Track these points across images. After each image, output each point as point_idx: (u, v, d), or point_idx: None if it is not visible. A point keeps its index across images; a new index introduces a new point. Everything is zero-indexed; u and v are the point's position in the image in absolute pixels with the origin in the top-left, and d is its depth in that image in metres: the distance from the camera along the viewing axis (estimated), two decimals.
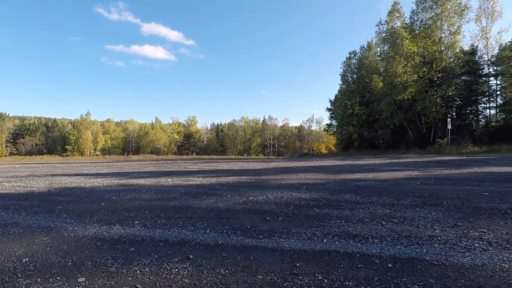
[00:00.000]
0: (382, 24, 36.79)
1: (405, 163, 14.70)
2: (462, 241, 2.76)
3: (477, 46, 32.60)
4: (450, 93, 32.99)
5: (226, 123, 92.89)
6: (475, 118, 34.06)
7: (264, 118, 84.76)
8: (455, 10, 31.01)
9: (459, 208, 4.12)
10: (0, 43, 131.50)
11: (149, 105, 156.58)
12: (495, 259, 2.34)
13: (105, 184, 8.41)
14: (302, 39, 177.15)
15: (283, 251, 2.65)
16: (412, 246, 2.67)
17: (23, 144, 75.24)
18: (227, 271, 2.26)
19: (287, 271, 2.24)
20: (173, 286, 2.04)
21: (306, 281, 2.06)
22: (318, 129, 78.02)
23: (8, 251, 2.82)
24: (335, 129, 49.82)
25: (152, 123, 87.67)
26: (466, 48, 33.12)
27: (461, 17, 31.21)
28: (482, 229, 3.12)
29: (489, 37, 31.22)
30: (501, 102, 31.55)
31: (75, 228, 3.61)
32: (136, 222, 3.84)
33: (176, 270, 2.30)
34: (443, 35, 32.51)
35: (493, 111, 32.88)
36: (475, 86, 32.24)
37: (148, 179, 9.75)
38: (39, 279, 2.20)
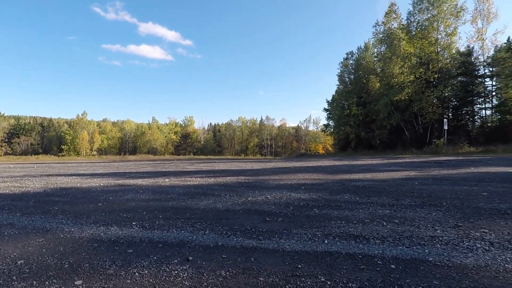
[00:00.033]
0: (379, 25, 37.01)
1: (402, 163, 14.74)
2: (464, 242, 2.75)
3: (473, 47, 32.88)
4: (447, 94, 33.23)
5: (224, 123, 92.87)
6: (471, 119, 34.32)
7: (261, 119, 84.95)
8: (451, 11, 31.25)
9: (459, 208, 4.11)
10: None
11: (146, 105, 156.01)
12: (498, 260, 2.32)
13: (101, 184, 8.32)
14: (299, 40, 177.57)
15: (284, 252, 2.62)
16: (414, 247, 2.64)
17: (18, 143, 74.57)
18: (228, 273, 2.22)
19: (289, 272, 2.20)
20: None
21: (308, 283, 2.02)
22: (315, 130, 78.34)
23: (3, 253, 2.76)
24: (332, 129, 49.99)
25: (149, 123, 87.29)
26: (462, 49, 33.43)
27: (457, 19, 31.46)
28: (483, 230, 3.10)
29: (484, 39, 31.49)
30: (497, 103, 31.81)
31: (72, 229, 3.54)
32: (134, 223, 3.79)
33: (176, 272, 2.26)
34: (440, 36, 32.73)
35: (488, 112, 33.16)
36: (471, 87, 32.48)
37: (145, 179, 9.67)
38: (34, 282, 2.14)
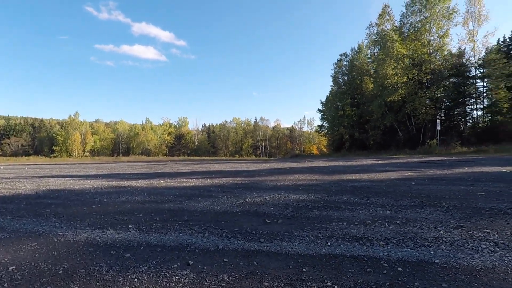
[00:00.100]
0: (372, 27, 37.33)
1: (397, 164, 14.82)
2: (469, 242, 2.71)
3: (464, 49, 33.41)
4: (439, 95, 33.66)
5: (218, 124, 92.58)
6: (463, 119, 34.80)
7: (255, 119, 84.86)
8: (443, 13, 31.65)
9: (459, 209, 4.10)
10: None
11: (139, 106, 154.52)
12: (505, 261, 2.28)
13: (95, 186, 8.16)
14: (293, 41, 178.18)
15: (287, 256, 2.55)
16: (419, 248, 2.60)
17: (9, 144, 73.21)
18: (230, 277, 2.15)
19: (293, 277, 2.13)
20: None
21: (315, 287, 1.96)
22: (309, 130, 78.61)
23: None
24: (326, 130, 50.21)
25: (143, 124, 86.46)
26: (454, 51, 33.94)
27: (449, 21, 31.89)
28: (486, 230, 3.08)
29: (476, 40, 31.96)
30: (488, 103, 32.35)
31: (66, 233, 3.43)
32: (130, 226, 3.68)
33: (177, 277, 2.17)
34: (432, 38, 33.14)
35: (480, 112, 33.69)
36: (462, 88, 32.93)
37: (140, 180, 9.52)
38: None
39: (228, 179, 9.27)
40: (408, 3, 33.63)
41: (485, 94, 32.53)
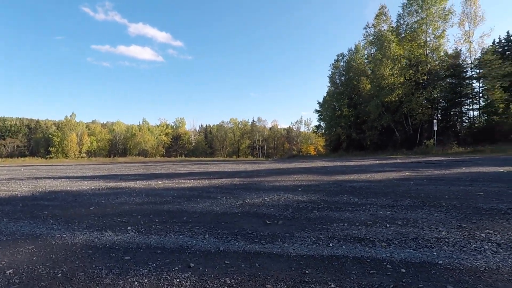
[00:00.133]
0: (369, 27, 37.43)
1: (394, 164, 14.85)
2: (471, 243, 2.70)
3: (460, 50, 33.57)
4: (436, 95, 33.81)
5: (215, 124, 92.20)
6: (460, 120, 34.99)
7: (253, 120, 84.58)
8: (439, 14, 31.81)
9: (459, 209, 4.09)
10: None
11: (136, 107, 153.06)
12: (509, 262, 2.27)
13: (92, 187, 8.09)
14: (289, 41, 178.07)
15: (289, 257, 2.52)
16: (422, 250, 2.59)
17: (4, 146, 72.56)
18: (233, 280, 2.12)
19: (297, 279, 2.11)
20: None
21: None
22: (306, 131, 78.49)
23: None
24: (323, 130, 50.25)
25: (140, 124, 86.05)
26: (450, 51, 34.08)
27: (445, 21, 32.05)
28: (487, 230, 3.07)
29: (471, 41, 32.11)
30: (484, 104, 32.50)
31: (63, 235, 3.38)
32: (129, 227, 3.64)
33: (178, 280, 2.14)
34: (428, 38, 33.29)
35: (476, 113, 33.85)
36: (459, 88, 33.10)
37: (137, 181, 9.45)
38: None
39: (227, 180, 9.23)
40: (405, 4, 33.78)
41: (481, 95, 32.70)
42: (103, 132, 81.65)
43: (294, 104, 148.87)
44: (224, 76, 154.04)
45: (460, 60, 33.32)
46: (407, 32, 33.98)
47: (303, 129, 79.44)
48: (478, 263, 2.27)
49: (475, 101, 33.41)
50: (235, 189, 6.98)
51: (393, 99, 32.40)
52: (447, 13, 31.57)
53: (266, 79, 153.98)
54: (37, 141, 76.41)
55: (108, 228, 3.65)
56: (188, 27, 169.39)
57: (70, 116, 72.84)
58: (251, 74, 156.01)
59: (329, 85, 47.97)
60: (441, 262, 2.31)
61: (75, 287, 2.06)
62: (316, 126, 53.81)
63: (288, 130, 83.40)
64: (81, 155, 69.74)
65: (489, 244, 2.68)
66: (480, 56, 31.78)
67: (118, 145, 79.16)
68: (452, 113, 34.83)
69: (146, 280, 2.14)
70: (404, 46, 32.93)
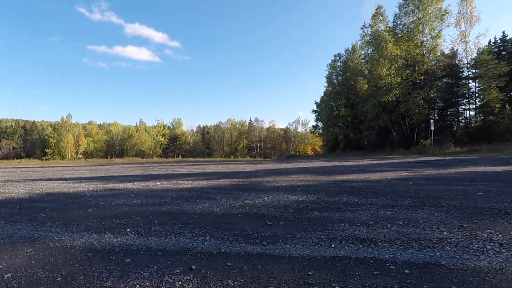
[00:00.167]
0: (366, 28, 37.54)
1: (392, 164, 14.89)
2: (473, 243, 2.70)
3: (457, 50, 33.73)
4: (432, 95, 33.98)
5: (212, 125, 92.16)
6: (456, 119, 35.16)
7: (250, 120, 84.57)
8: (435, 14, 31.98)
9: (459, 209, 4.10)
10: None
11: (133, 107, 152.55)
12: None
13: (90, 188, 8.02)
14: (286, 41, 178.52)
15: (291, 259, 2.50)
16: (424, 250, 2.58)
17: (0, 147, 71.96)
18: (236, 282, 2.09)
19: (300, 280, 2.09)
20: None
21: None
22: (304, 131, 78.51)
23: None
24: (321, 130, 50.34)
25: (137, 125, 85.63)
26: (447, 51, 34.24)
27: (441, 22, 32.21)
28: (489, 230, 3.07)
29: (468, 41, 32.29)
30: (480, 103, 32.71)
31: (62, 238, 3.33)
32: (128, 229, 3.60)
33: (180, 283, 2.11)
34: (425, 38, 33.45)
35: (472, 113, 34.04)
36: (455, 88, 33.30)
37: (135, 183, 9.39)
38: None
39: (225, 181, 9.20)
40: (401, 4, 33.92)
41: (477, 95, 32.91)
42: (100, 133, 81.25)
43: (291, 104, 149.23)
44: (221, 76, 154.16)
45: (456, 60, 33.50)
46: (404, 32, 34.12)
47: (300, 129, 79.51)
48: (481, 264, 2.27)
49: (471, 101, 33.61)
50: (234, 189, 6.95)
51: (390, 99, 32.53)
52: (443, 13, 31.75)
53: (263, 80, 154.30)
54: (33, 143, 75.88)
55: (107, 230, 3.61)
56: (184, 28, 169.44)
57: (66, 117, 72.49)
58: (248, 75, 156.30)
59: (326, 85, 48.11)
60: (445, 262, 2.30)
61: None
62: (313, 126, 53.86)
63: (286, 130, 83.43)
64: (78, 156, 69.35)
65: (491, 244, 2.67)
66: (476, 56, 31.98)
67: (115, 146, 78.77)
68: (448, 113, 35.00)
69: (147, 283, 2.11)
70: (401, 46, 33.08)
